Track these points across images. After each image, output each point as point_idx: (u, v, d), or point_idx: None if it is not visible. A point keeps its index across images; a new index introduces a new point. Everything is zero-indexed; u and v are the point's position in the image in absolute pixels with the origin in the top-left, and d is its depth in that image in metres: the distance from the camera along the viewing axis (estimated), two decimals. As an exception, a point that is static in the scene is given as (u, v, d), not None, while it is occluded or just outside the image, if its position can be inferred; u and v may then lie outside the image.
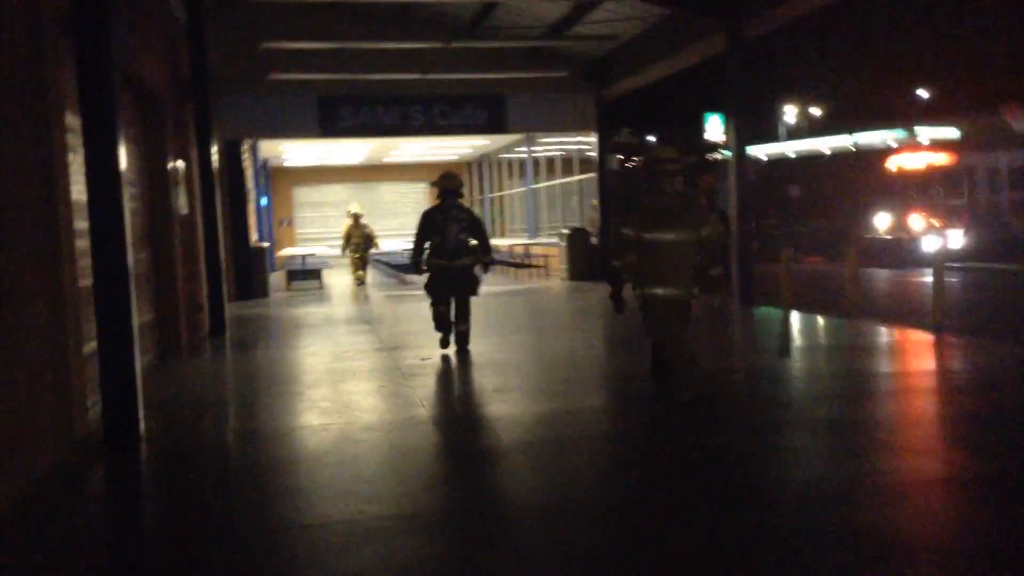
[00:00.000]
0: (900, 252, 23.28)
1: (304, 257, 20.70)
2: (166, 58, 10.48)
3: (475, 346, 9.72)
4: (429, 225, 9.28)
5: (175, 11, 10.98)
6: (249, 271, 17.33)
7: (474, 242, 9.33)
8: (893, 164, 36.32)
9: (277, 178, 30.88)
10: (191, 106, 11.52)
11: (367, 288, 18.72)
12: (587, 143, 19.54)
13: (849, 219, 32.46)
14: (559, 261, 19.72)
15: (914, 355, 8.93)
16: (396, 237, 26.09)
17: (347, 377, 8.26)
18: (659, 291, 6.47)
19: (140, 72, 9.15)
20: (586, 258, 18.58)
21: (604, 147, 18.70)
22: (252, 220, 21.47)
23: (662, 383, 6.77)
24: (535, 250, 21.64)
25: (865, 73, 39.06)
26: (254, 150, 22.59)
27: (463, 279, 9.31)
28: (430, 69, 16.20)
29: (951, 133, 43.19)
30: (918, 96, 39.22)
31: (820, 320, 11.30)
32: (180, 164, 11.05)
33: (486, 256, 9.48)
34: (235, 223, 17.19)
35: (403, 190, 32.06)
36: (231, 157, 17.20)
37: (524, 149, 23.55)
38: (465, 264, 9.26)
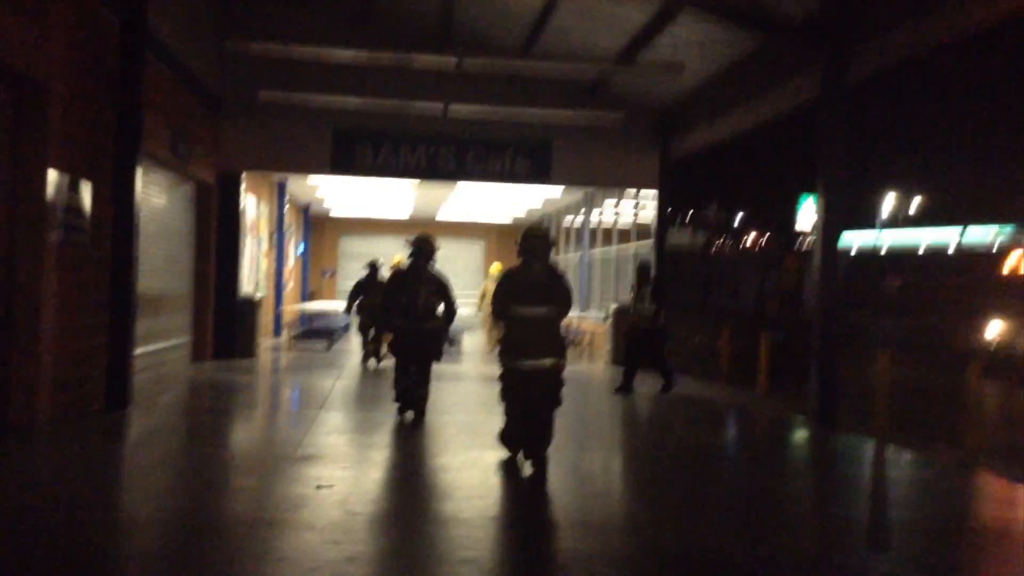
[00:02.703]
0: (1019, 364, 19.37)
1: (312, 316, 18.00)
2: (65, 40, 7.97)
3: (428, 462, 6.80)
4: (398, 286, 9.15)
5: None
6: (232, 326, 14.72)
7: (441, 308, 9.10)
8: (1010, 263, 32.13)
9: (321, 226, 28.64)
10: (116, 114, 8.95)
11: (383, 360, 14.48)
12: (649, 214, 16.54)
13: (953, 319, 28.39)
14: (604, 341, 16.58)
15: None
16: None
17: (172, 523, 5.33)
18: (526, 363, 6.65)
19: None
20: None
21: (665, 210, 15.65)
22: (263, 267, 19.09)
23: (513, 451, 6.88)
24: (585, 325, 18.57)
25: (972, 161, 34.99)
26: (281, 190, 20.30)
27: (429, 343, 9.02)
28: (458, 99, 13.50)
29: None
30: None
31: (933, 468, 7.93)
32: (85, 184, 8.50)
33: (448, 323, 9.26)
34: (221, 270, 14.68)
35: (455, 249, 29.40)
36: (226, 193, 14.78)
37: (585, 211, 20.72)
38: (432, 327, 9.03)
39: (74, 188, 8.35)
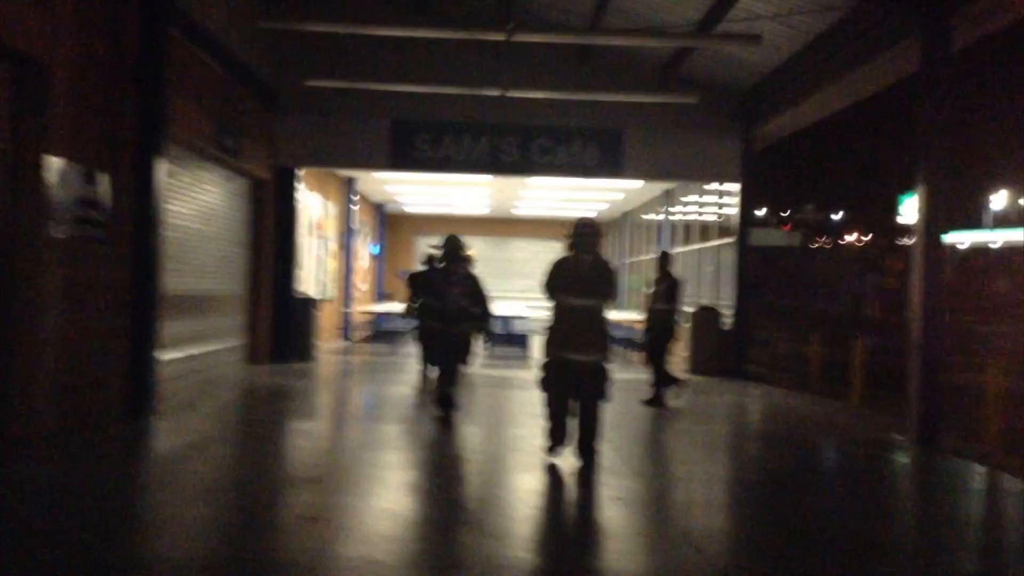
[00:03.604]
0: None
1: (379, 315, 17.39)
2: (73, 17, 7.38)
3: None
4: (427, 286, 9.19)
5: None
6: (290, 327, 14.16)
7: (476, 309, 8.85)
8: None
9: (397, 225, 28.09)
10: (135, 101, 8.34)
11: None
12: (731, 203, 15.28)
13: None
14: (682, 347, 15.40)
15: None
16: (521, 300, 21.82)
17: (90, 561, 4.57)
18: (571, 356, 6.70)
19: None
20: (715, 346, 14.23)
21: (749, 204, 14.39)
22: (329, 268, 18.57)
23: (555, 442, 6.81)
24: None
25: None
26: (350, 187, 19.78)
27: (457, 346, 8.74)
28: (521, 85, 12.57)
29: None
30: None
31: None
32: (102, 175, 7.92)
33: (485, 322, 9.00)
34: (277, 270, 14.14)
35: (534, 248, 28.39)
36: (282, 188, 14.24)
37: (666, 208, 19.58)
38: (462, 331, 8.74)
39: (89, 180, 7.77)
